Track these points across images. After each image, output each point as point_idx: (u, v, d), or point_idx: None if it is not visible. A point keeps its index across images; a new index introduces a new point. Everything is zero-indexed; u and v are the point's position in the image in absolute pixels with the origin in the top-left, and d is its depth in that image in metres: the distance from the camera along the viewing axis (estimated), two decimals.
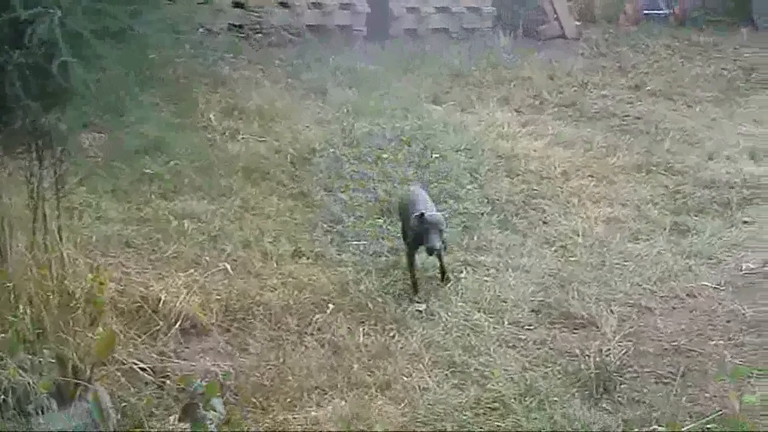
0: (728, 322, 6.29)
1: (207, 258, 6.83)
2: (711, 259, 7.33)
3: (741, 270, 7.11)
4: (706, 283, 6.87)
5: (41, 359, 4.86)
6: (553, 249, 7.51)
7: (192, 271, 6.55)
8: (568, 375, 5.58)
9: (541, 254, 7.40)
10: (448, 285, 6.71)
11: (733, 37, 15.44)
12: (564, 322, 6.28)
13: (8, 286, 5.23)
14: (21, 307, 5.13)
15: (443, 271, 6.80)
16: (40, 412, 4.63)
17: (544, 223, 8.06)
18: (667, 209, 8.40)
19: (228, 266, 6.65)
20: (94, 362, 4.87)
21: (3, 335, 4.93)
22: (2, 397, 4.60)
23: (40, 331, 5.07)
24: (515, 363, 5.73)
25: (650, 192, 8.80)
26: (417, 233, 6.57)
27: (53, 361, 4.86)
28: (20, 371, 4.70)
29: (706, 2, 16.62)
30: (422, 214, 6.53)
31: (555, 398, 5.27)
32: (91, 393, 4.64)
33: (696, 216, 8.22)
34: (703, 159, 9.70)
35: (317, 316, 6.19)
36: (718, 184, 8.93)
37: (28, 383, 4.65)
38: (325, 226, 7.70)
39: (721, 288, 6.80)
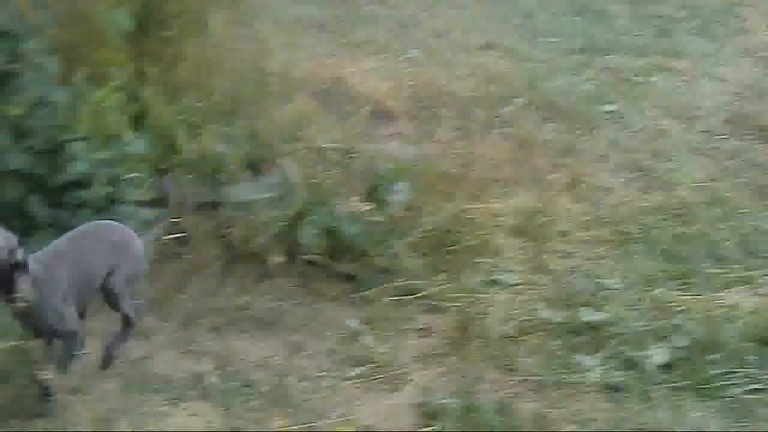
0: None
1: (397, 45, 6.83)
2: None
3: None
4: None
5: (236, 132, 4.99)
6: (752, 59, 7.21)
7: (382, 56, 6.57)
8: (759, 188, 5.42)
9: (738, 64, 7.12)
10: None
11: None
12: (759, 134, 6.07)
13: (207, 59, 5.36)
14: (218, 79, 5.25)
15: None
16: (231, 182, 4.78)
17: (745, 31, 7.73)
18: None
19: (418, 54, 6.63)
20: (284, 138, 4.99)
21: (200, 104, 5.06)
22: (197, 164, 4.76)
23: (235, 105, 5.20)
24: (703, 171, 5.60)
25: None
26: None
27: (247, 134, 4.99)
28: (215, 141, 4.85)
29: None
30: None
31: (744, 210, 5.14)
32: (280, 167, 4.77)
33: None
34: None
35: (505, 108, 6.14)
36: None
37: (222, 153, 4.79)
38: (517, 20, 7.56)
39: None
